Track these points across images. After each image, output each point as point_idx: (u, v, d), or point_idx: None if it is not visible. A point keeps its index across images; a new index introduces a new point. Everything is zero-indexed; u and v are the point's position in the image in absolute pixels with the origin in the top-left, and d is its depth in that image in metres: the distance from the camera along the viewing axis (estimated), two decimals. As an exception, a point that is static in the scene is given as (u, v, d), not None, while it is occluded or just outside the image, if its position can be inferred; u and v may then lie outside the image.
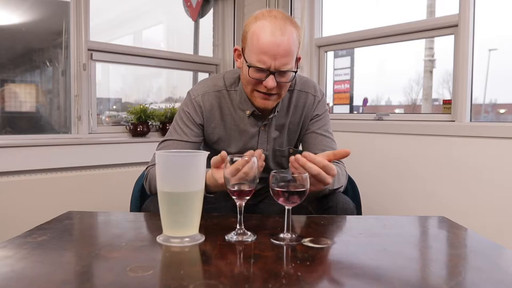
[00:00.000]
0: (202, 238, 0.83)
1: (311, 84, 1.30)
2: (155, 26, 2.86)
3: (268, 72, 1.08)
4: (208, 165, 0.96)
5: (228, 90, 1.24)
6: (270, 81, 1.08)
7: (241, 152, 1.24)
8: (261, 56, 1.06)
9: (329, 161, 0.98)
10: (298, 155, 0.93)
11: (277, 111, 1.24)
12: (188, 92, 1.26)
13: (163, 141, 1.24)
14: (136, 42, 2.75)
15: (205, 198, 0.86)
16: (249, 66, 1.10)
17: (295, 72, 1.14)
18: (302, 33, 1.18)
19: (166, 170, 0.82)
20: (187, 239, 0.81)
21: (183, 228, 0.82)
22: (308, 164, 0.92)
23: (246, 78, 1.14)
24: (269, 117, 1.23)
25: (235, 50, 1.19)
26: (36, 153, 1.89)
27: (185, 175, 0.81)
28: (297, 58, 1.15)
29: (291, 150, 1.32)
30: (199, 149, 1.27)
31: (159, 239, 0.82)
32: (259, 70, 1.09)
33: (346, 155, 0.99)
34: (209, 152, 0.89)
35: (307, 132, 1.29)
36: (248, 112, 1.22)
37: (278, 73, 1.09)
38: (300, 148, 1.36)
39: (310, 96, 1.28)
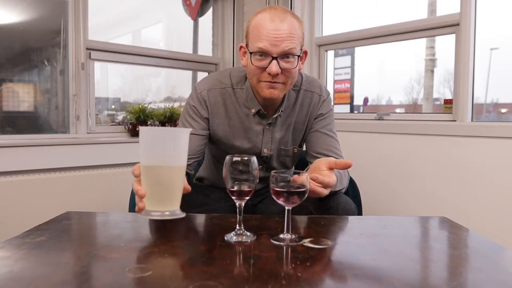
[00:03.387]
0: (182, 214, 0.82)
1: (317, 84, 1.30)
2: (154, 25, 2.85)
3: (271, 58, 1.09)
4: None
5: (234, 88, 1.25)
6: (274, 67, 1.09)
7: (245, 151, 1.24)
8: (263, 42, 1.08)
9: (330, 169, 0.98)
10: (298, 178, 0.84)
11: (282, 111, 1.23)
12: (194, 86, 1.28)
13: None
14: (135, 41, 2.74)
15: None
16: (251, 53, 1.11)
17: (299, 56, 1.13)
18: (304, 27, 1.18)
19: (146, 143, 0.81)
20: (167, 212, 0.80)
21: (164, 203, 0.81)
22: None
23: (250, 70, 1.15)
24: (274, 116, 1.23)
25: (240, 47, 1.20)
26: (34, 153, 1.88)
27: (165, 149, 0.80)
28: (302, 50, 1.15)
29: (295, 149, 1.32)
30: (208, 141, 1.28)
31: (141, 213, 0.81)
32: (262, 56, 1.10)
33: (347, 166, 0.99)
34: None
35: (311, 130, 1.29)
36: (253, 111, 1.22)
37: (281, 58, 1.09)
38: (304, 147, 1.36)
39: (316, 95, 1.28)
